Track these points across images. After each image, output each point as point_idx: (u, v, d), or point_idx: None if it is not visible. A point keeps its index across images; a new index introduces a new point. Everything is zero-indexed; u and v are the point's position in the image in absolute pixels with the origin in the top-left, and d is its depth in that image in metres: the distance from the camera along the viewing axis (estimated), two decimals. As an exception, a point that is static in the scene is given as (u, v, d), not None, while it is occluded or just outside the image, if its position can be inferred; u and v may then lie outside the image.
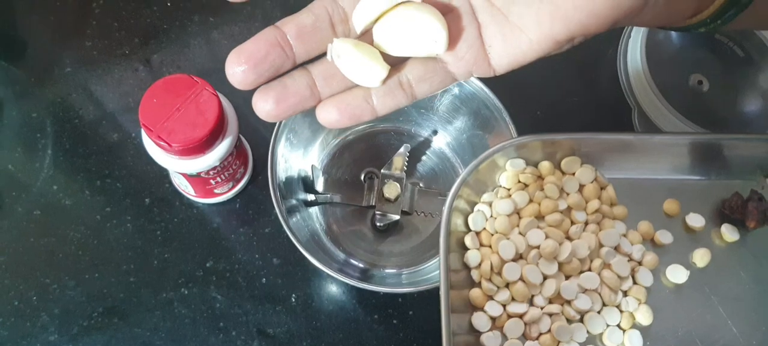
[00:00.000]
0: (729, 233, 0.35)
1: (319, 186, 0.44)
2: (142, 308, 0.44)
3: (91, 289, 0.44)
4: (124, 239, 0.45)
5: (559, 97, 0.51)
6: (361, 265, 0.43)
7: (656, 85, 0.47)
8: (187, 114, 0.37)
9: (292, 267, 0.45)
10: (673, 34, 0.51)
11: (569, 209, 0.35)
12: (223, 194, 0.45)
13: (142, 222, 0.46)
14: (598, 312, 0.34)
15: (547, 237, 0.33)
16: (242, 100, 0.49)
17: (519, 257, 0.33)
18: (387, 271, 0.43)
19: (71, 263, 0.44)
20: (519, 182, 0.35)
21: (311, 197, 0.44)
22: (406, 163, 0.44)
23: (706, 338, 0.33)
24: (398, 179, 0.43)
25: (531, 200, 0.35)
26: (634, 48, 0.48)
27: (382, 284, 0.41)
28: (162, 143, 0.37)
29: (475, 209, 0.35)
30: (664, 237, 0.35)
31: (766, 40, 0.49)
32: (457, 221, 0.34)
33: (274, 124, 0.41)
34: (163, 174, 0.46)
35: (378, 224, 0.43)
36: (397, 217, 0.43)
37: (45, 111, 0.48)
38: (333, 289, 0.45)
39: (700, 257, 0.35)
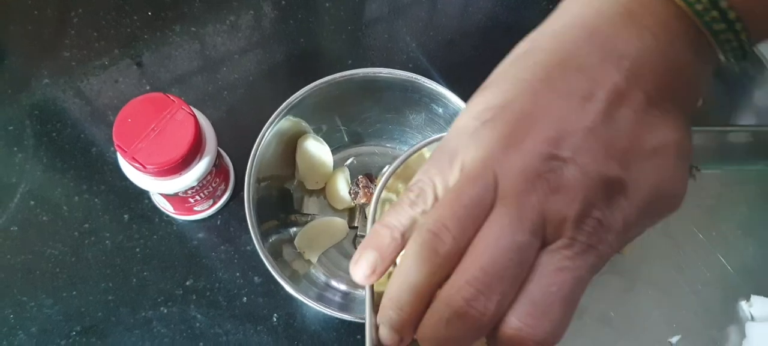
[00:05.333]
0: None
1: (300, 206, 0.43)
2: (121, 327, 0.43)
3: (69, 307, 0.43)
4: (102, 257, 0.44)
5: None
6: (342, 287, 0.42)
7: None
8: (162, 134, 0.36)
9: (273, 286, 0.44)
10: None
11: None
12: (204, 211, 0.44)
13: (120, 239, 0.45)
14: None
15: None
16: (224, 114, 0.48)
17: None
18: (368, 293, 0.42)
19: (49, 280, 0.43)
20: None
21: (292, 217, 0.43)
22: (389, 183, 0.43)
23: None
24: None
25: None
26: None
27: (363, 309, 0.40)
28: (136, 165, 0.36)
29: None
30: None
31: (763, 57, 0.48)
32: None
33: (254, 142, 0.40)
34: (142, 190, 0.45)
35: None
36: (379, 238, 0.42)
37: (22, 123, 0.47)
38: (315, 309, 0.44)
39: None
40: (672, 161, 0.23)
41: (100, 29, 0.50)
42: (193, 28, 0.50)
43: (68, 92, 0.48)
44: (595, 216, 0.22)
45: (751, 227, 0.35)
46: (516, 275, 0.22)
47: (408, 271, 0.23)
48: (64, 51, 0.49)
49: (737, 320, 0.33)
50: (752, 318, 0.32)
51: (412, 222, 0.24)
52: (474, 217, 0.22)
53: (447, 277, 0.22)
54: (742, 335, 0.32)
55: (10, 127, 0.47)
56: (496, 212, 0.22)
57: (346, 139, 0.46)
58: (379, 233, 0.24)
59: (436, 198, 0.23)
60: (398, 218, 0.24)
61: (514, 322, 0.22)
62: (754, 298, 0.33)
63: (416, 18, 0.52)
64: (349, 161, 0.46)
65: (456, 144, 0.24)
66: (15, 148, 0.46)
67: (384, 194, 0.31)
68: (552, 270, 0.22)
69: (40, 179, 0.46)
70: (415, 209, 0.23)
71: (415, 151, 0.32)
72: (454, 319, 0.22)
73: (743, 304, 0.33)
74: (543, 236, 0.22)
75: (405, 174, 0.33)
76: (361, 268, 0.24)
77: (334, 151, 0.45)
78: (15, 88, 0.48)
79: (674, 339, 0.32)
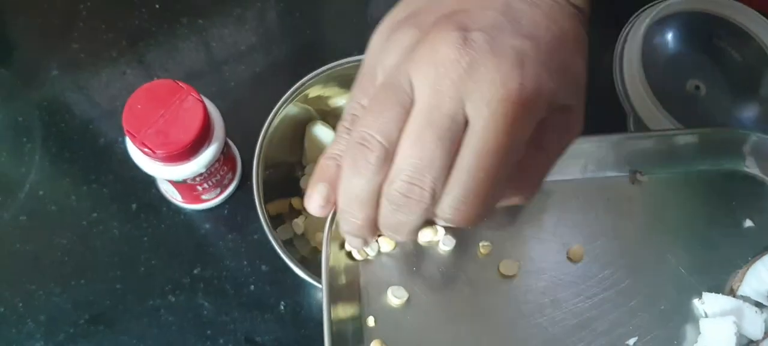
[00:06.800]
0: None
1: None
2: (129, 315, 0.43)
3: (77, 296, 0.43)
4: (110, 246, 0.44)
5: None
6: (349, 273, 0.42)
7: (653, 90, 0.46)
8: (171, 120, 0.37)
9: (281, 274, 0.44)
10: (670, 38, 0.50)
11: None
12: (211, 199, 0.45)
13: (128, 228, 0.45)
14: None
15: None
16: (231, 104, 0.49)
17: None
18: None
19: (57, 269, 0.44)
20: None
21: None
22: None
23: None
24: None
25: None
26: (631, 52, 0.47)
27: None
28: (146, 150, 0.37)
29: None
30: None
31: (764, 45, 0.48)
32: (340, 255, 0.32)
33: (260, 132, 0.40)
34: (150, 179, 0.46)
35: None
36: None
37: (31, 114, 0.48)
38: (322, 296, 0.44)
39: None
40: (573, 45, 0.25)
41: (108, 22, 0.50)
42: (200, 20, 0.51)
43: (77, 84, 0.49)
44: (515, 80, 0.23)
45: (699, 227, 0.35)
46: (444, 159, 0.23)
47: (347, 183, 0.25)
48: (73, 43, 0.50)
49: (692, 319, 0.33)
50: (706, 315, 0.33)
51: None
52: (395, 119, 0.23)
53: (384, 178, 0.24)
54: (697, 331, 0.33)
55: (20, 119, 0.48)
56: (416, 106, 0.23)
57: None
58: (325, 166, 0.26)
59: None
60: (338, 146, 0.26)
61: (448, 209, 0.24)
62: (706, 295, 0.33)
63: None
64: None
65: (373, 62, 0.25)
66: (24, 139, 0.47)
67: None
68: (478, 154, 0.23)
69: (49, 170, 0.46)
70: (352, 134, 0.25)
71: None
72: (398, 209, 0.24)
73: (696, 302, 0.33)
74: (465, 116, 0.23)
75: None
76: (314, 201, 0.26)
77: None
78: (24, 80, 0.49)
79: (631, 341, 0.32)
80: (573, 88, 0.25)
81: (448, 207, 0.24)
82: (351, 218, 0.25)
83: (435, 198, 0.24)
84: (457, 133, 0.23)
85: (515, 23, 0.24)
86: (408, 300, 0.32)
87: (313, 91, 0.41)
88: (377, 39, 0.26)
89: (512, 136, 0.23)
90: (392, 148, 0.24)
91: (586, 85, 0.26)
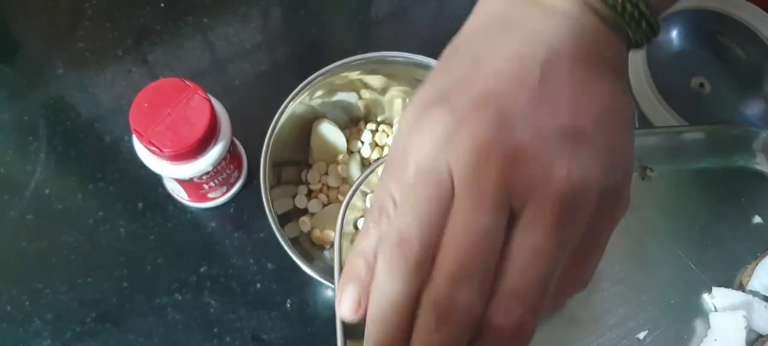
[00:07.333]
0: None
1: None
2: (135, 313, 0.43)
3: (84, 294, 0.43)
4: (116, 244, 0.44)
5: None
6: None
7: (657, 88, 0.46)
8: (178, 119, 0.37)
9: (287, 272, 0.44)
10: (675, 35, 0.50)
11: None
12: (217, 198, 0.45)
13: (135, 227, 0.45)
14: None
15: None
16: (237, 103, 0.48)
17: None
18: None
19: (64, 268, 0.44)
20: None
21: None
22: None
23: None
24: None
25: None
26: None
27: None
28: (153, 149, 0.37)
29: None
30: None
31: (769, 41, 0.48)
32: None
33: (266, 131, 0.40)
34: (156, 178, 0.46)
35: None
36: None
37: (37, 113, 0.48)
38: (328, 294, 0.44)
39: None
40: (617, 120, 0.23)
41: (113, 20, 0.50)
42: (205, 19, 0.51)
43: (82, 83, 0.49)
44: (563, 168, 0.21)
45: (708, 223, 0.36)
46: (490, 260, 0.21)
47: (382, 288, 0.22)
48: (79, 42, 0.50)
49: (702, 313, 0.34)
50: (715, 309, 0.33)
51: (381, 240, 0.23)
52: (435, 214, 0.21)
53: (424, 283, 0.22)
54: (707, 325, 0.33)
55: (25, 118, 0.48)
56: (457, 201, 0.21)
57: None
58: (353, 264, 0.23)
59: (396, 207, 0.23)
60: (368, 241, 0.23)
61: (500, 316, 0.21)
62: (715, 289, 0.33)
63: (427, 9, 0.53)
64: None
65: (404, 145, 0.23)
66: (30, 138, 0.47)
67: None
68: (528, 253, 0.21)
69: (55, 169, 0.46)
70: (381, 227, 0.23)
71: (370, 172, 0.32)
72: (443, 319, 0.21)
73: (706, 296, 0.34)
74: (510, 209, 0.21)
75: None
76: (346, 305, 0.23)
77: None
78: (29, 79, 0.49)
79: (641, 335, 0.32)
80: (621, 169, 0.23)
81: (501, 314, 0.21)
82: (381, 328, 0.22)
83: (482, 307, 0.21)
84: (501, 229, 0.21)
85: (555, 103, 0.22)
86: None
87: (319, 89, 0.41)
88: (405, 123, 0.24)
89: (563, 229, 0.21)
90: (432, 249, 0.21)
91: (632, 162, 0.25)
